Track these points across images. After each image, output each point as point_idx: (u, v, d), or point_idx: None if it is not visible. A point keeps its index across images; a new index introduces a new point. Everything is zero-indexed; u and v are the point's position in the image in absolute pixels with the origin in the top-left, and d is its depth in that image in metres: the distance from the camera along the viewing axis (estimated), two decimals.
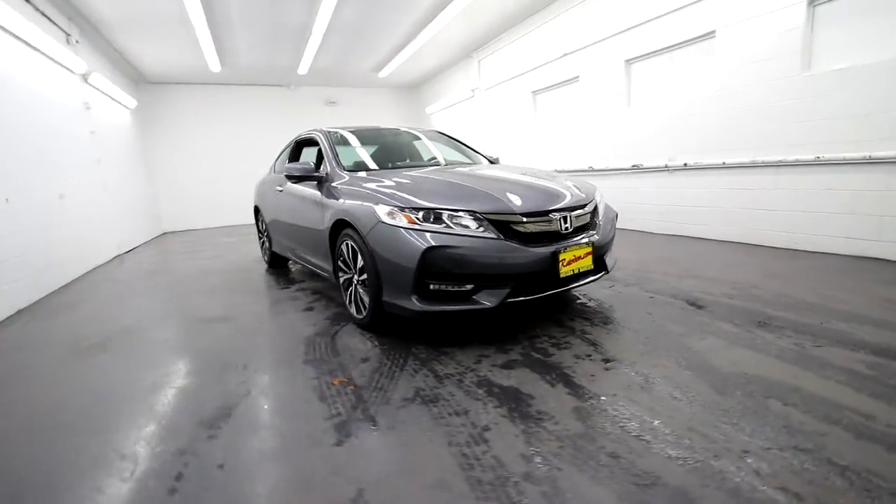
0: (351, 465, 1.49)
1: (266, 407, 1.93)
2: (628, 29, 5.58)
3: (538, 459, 1.47)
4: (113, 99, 7.53)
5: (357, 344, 2.59)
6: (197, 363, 2.47)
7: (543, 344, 2.42)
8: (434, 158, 3.87)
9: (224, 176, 10.80)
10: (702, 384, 1.90)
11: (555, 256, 2.36)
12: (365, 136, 3.94)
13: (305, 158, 4.54)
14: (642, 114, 5.68)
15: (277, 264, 5.06)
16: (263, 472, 1.49)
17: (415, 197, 2.46)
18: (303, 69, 9.40)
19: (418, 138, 4.13)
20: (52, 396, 2.16)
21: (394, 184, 2.74)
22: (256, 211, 5.24)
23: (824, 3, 3.81)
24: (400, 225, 2.36)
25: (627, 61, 5.78)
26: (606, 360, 2.18)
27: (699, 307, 2.84)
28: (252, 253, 6.30)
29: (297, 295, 3.82)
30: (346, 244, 2.78)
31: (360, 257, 2.64)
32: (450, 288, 2.31)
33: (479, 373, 2.13)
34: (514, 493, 1.32)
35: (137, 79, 9.40)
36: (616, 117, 6.04)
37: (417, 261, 2.24)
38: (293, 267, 5.10)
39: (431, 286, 2.31)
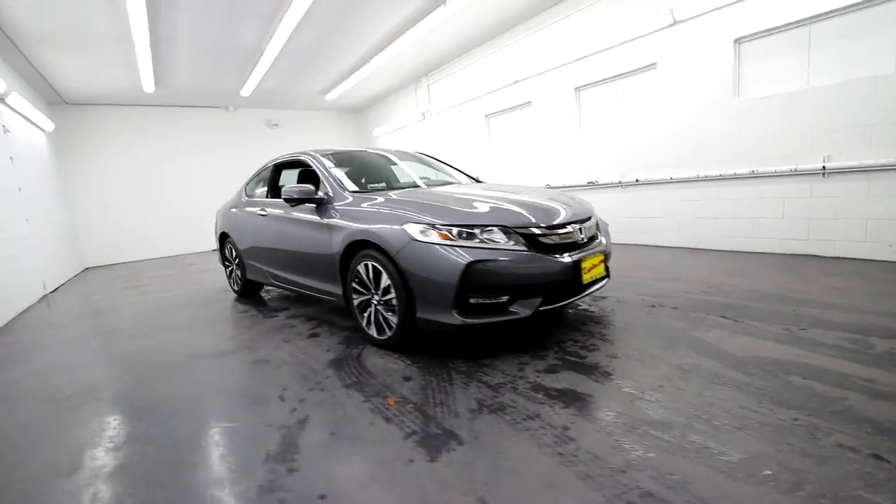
0: (457, 478, 1.51)
1: (333, 433, 1.86)
2: (578, 59, 6.14)
3: (629, 448, 1.59)
4: (30, 121, 6.73)
5: (388, 364, 2.57)
6: (224, 400, 2.30)
7: (572, 348, 2.58)
8: (427, 178, 3.95)
9: (155, 203, 9.99)
10: (727, 369, 2.16)
11: (577, 265, 2.55)
12: (354, 158, 3.95)
13: (284, 182, 4.42)
14: (593, 136, 6.23)
15: (250, 293, 4.79)
16: (373, 495, 1.46)
17: (442, 215, 2.53)
18: (246, 91, 9.07)
19: (405, 159, 4.20)
20: (68, 455, 1.90)
21: (413, 202, 2.79)
22: (223, 238, 4.94)
23: (747, 41, 4.53)
24: (434, 242, 2.42)
25: (577, 88, 6.34)
26: (636, 357, 2.38)
27: (688, 305, 3.18)
28: (209, 283, 5.90)
29: (292, 322, 3.66)
30: (366, 265, 2.76)
31: (383, 277, 2.64)
32: (487, 301, 2.40)
33: (527, 379, 2.22)
34: (627, 481, 1.42)
35: (54, 100, 8.48)
36: (569, 139, 6.56)
37: (459, 276, 2.31)
38: (266, 295, 4.86)
39: (471, 300, 2.38)
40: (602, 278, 2.81)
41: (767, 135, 4.45)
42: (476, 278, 2.33)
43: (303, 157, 3.78)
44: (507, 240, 2.45)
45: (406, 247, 2.48)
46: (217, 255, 5.49)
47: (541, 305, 2.46)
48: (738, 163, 4.71)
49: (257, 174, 4.61)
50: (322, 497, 1.46)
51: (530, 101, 7.10)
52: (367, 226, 2.76)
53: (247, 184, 4.76)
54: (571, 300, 2.62)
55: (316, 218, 3.26)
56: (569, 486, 1.43)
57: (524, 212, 2.61)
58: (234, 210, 4.69)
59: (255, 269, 4.33)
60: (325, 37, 6.84)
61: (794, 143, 4.26)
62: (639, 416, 1.80)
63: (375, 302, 2.78)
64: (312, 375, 2.50)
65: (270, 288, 5.21)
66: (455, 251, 2.36)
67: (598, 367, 2.31)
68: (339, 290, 3.13)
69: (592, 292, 2.80)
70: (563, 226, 2.63)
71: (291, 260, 3.62)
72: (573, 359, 2.43)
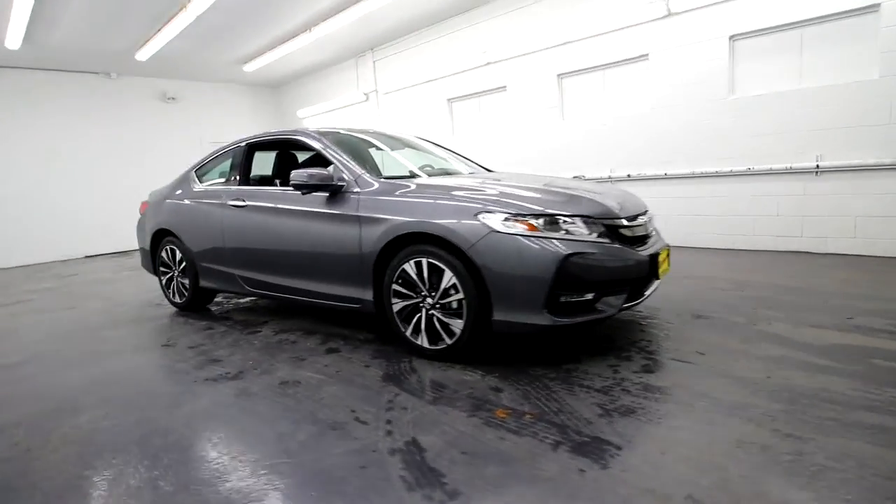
0: (647, 479, 1.60)
1: (464, 452, 1.83)
2: (562, 44, 6.56)
3: (795, 432, 1.80)
4: None
5: (460, 376, 2.56)
6: (294, 428, 2.12)
7: (651, 347, 2.80)
8: (429, 167, 3.94)
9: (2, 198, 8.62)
10: (814, 357, 2.51)
11: (655, 259, 2.77)
12: (358, 140, 3.83)
13: (259, 166, 4.16)
14: (579, 127, 6.68)
15: (198, 305, 4.39)
16: None
17: (522, 203, 2.60)
18: (144, 55, 8.25)
19: (410, 144, 4.16)
20: None
21: (475, 187, 2.82)
22: (158, 238, 4.47)
23: (742, 39, 5.23)
24: (520, 233, 2.47)
25: (560, 75, 6.76)
26: (723, 352, 2.66)
27: (729, 302, 3.59)
28: (120, 297, 5.33)
29: (288, 337, 3.44)
30: (417, 263, 2.72)
31: (445, 276, 2.63)
32: (575, 299, 2.52)
33: (631, 380, 2.37)
34: (820, 459, 1.63)
35: None
36: (550, 129, 6.96)
37: (555, 270, 2.38)
38: (215, 307, 4.50)
39: (562, 298, 2.47)
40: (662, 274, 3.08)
41: (762, 133, 5.17)
42: (570, 273, 2.42)
43: (299, 137, 3.59)
44: (589, 231, 2.59)
45: (484, 239, 2.50)
46: (141, 260, 4.93)
47: (625, 303, 2.64)
48: (733, 160, 5.38)
49: (215, 156, 4.26)
50: None
51: (505, 86, 7.40)
52: (420, 217, 2.71)
53: (197, 168, 4.37)
54: (645, 297, 2.84)
55: (330, 209, 3.12)
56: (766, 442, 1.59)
57: (605, 201, 2.77)
58: (179, 202, 4.27)
59: (217, 275, 3.98)
60: None
61: (788, 142, 5.01)
62: (772, 406, 2.03)
63: (428, 306, 2.75)
64: (375, 395, 2.41)
65: (220, 299, 4.83)
66: (549, 243, 2.43)
67: (693, 362, 2.54)
68: (365, 296, 3.03)
69: (655, 290, 3.05)
70: (635, 217, 2.84)
71: (288, 261, 3.41)
72: (662, 358, 2.64)
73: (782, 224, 5.18)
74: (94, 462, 1.96)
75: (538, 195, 2.74)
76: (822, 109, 4.78)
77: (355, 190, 3.09)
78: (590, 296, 2.54)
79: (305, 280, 3.35)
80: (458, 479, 1.68)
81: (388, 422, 2.12)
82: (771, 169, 5.13)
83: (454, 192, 2.78)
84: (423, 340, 2.81)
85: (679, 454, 1.74)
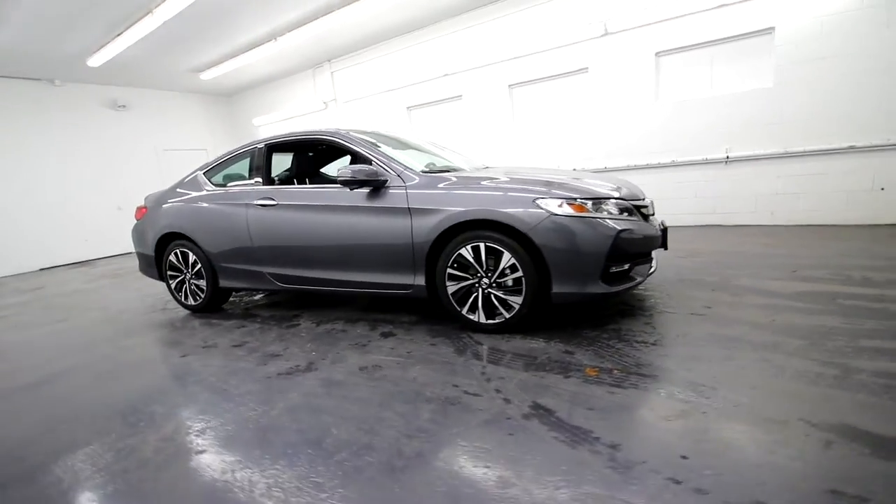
0: (757, 409, 1.65)
1: (589, 409, 1.78)
2: (512, 58, 6.60)
3: (823, 360, 1.97)
4: None
5: (526, 345, 2.49)
6: (407, 408, 1.93)
7: (664, 306, 2.92)
8: (447, 161, 3.79)
9: None
10: (793, 301, 2.75)
11: (665, 233, 2.89)
12: (384, 139, 3.55)
13: (280, 166, 3.76)
14: (527, 130, 6.79)
15: (214, 306, 3.88)
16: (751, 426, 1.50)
17: (571, 189, 2.57)
18: (97, 60, 7.08)
19: (410, 143, 3.95)
20: None
21: (517, 177, 2.76)
22: (165, 242, 3.88)
23: (665, 55, 5.59)
24: (575, 215, 2.45)
25: (511, 85, 6.82)
26: (723, 304, 2.84)
27: (694, 266, 3.85)
28: (107, 304, 4.61)
29: (330, 328, 3.15)
30: (475, 248, 2.61)
31: (504, 257, 2.55)
32: (619, 269, 2.55)
33: (672, 333, 2.46)
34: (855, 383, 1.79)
35: None
36: (502, 133, 7.01)
37: (609, 245, 2.40)
38: (228, 307, 4.02)
39: (611, 269, 2.49)
40: None
41: (683, 132, 5.58)
42: (620, 246, 2.46)
43: (331, 137, 3.26)
44: (619, 211, 2.63)
45: (544, 222, 2.45)
46: (140, 266, 4.25)
47: (648, 271, 2.74)
48: (660, 154, 5.77)
49: (226, 158, 3.76)
50: (676, 482, 1.44)
51: (461, 95, 7.32)
52: (480, 206, 2.59)
53: (206, 171, 3.83)
54: (655, 267, 2.95)
55: (376, 203, 2.89)
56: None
57: (627, 187, 2.84)
58: (192, 204, 3.73)
59: (241, 274, 3.54)
60: (234, 7, 5.87)
61: (704, 138, 5.46)
62: (796, 342, 2.20)
63: (485, 285, 2.65)
64: (463, 369, 2.27)
65: (231, 298, 4.33)
66: (601, 222, 2.44)
67: (707, 315, 2.69)
68: (416, 281, 2.85)
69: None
70: (643, 199, 2.94)
71: (330, 255, 3.11)
72: (680, 313, 2.76)
73: (699, 204, 5.66)
74: (264, 468, 1.65)
75: (576, 183, 2.73)
76: (729, 112, 5.26)
77: (399, 184, 2.88)
78: (626, 266, 2.60)
79: (350, 272, 3.08)
80: (605, 431, 1.63)
81: (498, 391, 2.01)
82: (691, 160, 5.58)
83: (502, 183, 2.70)
84: (479, 317, 2.71)
85: (765, 387, 1.83)
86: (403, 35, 7.60)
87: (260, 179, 3.48)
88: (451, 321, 2.95)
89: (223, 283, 3.68)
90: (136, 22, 5.87)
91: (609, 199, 2.58)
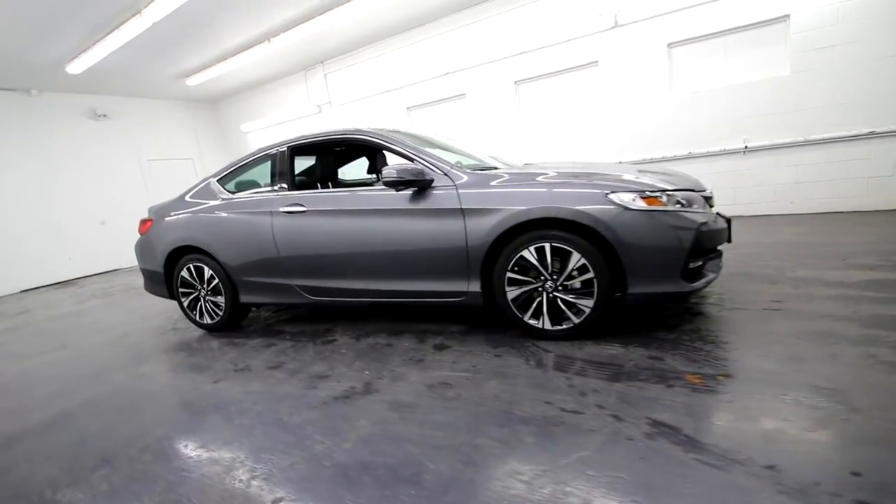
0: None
1: (717, 423, 1.59)
2: (518, 54, 6.44)
3: None
4: None
5: (604, 352, 2.29)
6: (503, 432, 1.70)
7: (730, 302, 2.76)
8: (479, 159, 3.59)
9: None
10: (862, 291, 2.63)
11: (729, 226, 2.73)
12: (417, 137, 3.32)
13: (302, 168, 3.49)
14: (535, 126, 6.64)
15: (233, 324, 3.58)
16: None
17: (641, 182, 2.39)
18: (77, 68, 6.63)
19: (438, 143, 3.73)
20: None
21: (581, 173, 2.57)
22: (175, 256, 3.56)
23: (678, 46, 5.50)
24: (652, 209, 2.27)
25: (517, 82, 6.65)
26: (792, 297, 2.70)
27: (742, 259, 3.73)
28: (108, 328, 4.24)
29: (375, 343, 2.89)
30: (539, 249, 2.40)
31: (573, 258, 2.35)
32: (696, 265, 2.38)
33: (759, 331, 2.30)
34: None
35: None
36: (509, 130, 6.83)
37: (691, 240, 2.23)
38: (246, 324, 3.72)
39: (690, 265, 2.32)
40: None
41: (698, 123, 5.50)
42: (700, 241, 2.29)
43: (365, 136, 3.00)
44: (698, 204, 2.46)
45: (618, 218, 2.26)
46: (146, 284, 3.91)
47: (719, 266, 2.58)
48: (675, 146, 5.68)
49: (242, 164, 3.47)
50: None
51: (464, 94, 7.12)
52: (544, 204, 2.38)
53: (219, 178, 3.53)
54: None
55: (424, 205, 2.66)
56: None
57: (690, 179, 2.67)
58: (208, 214, 3.42)
59: (265, 288, 3.26)
60: (220, 9, 5.57)
61: (721, 129, 5.39)
62: (891, 335, 2.07)
63: (550, 289, 2.44)
64: (546, 382, 2.06)
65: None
66: (683, 216, 2.27)
67: (782, 309, 2.54)
68: (470, 288, 2.62)
69: None
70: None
71: (371, 263, 2.85)
72: (753, 308, 2.60)
73: (718, 195, 5.56)
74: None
75: (641, 177, 2.54)
76: (746, 101, 5.19)
77: (447, 184, 2.65)
78: (700, 262, 2.43)
79: (393, 281, 2.83)
80: (749, 449, 1.43)
81: (600, 406, 1.80)
82: (708, 152, 5.50)
83: (565, 179, 2.50)
84: (543, 323, 2.50)
85: (881, 384, 1.67)
86: (401, 33, 7.37)
87: (285, 185, 3.20)
88: (506, 329, 2.74)
89: (244, 298, 3.39)
90: (122, 24, 5.48)
91: (682, 190, 2.41)
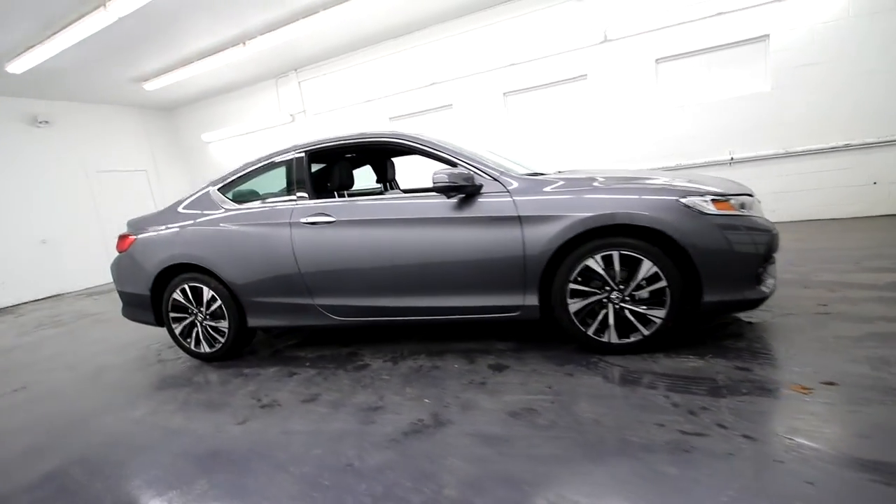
0: None
1: (862, 436, 1.48)
2: (507, 66, 6.44)
3: None
4: None
5: (683, 365, 2.16)
6: (633, 464, 1.50)
7: (778, 308, 2.75)
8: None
9: None
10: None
11: None
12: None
13: (321, 176, 3.17)
14: (524, 137, 6.64)
15: (235, 352, 3.16)
16: None
17: (710, 185, 2.33)
18: (18, 67, 5.87)
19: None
20: None
21: (632, 177, 2.47)
22: (166, 276, 3.11)
23: (665, 62, 5.70)
24: (727, 214, 2.20)
25: (506, 93, 6.64)
26: (834, 300, 2.73)
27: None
28: (73, 363, 3.62)
29: (419, 365, 2.61)
30: (605, 257, 2.26)
31: (643, 266, 2.22)
32: (763, 271, 2.33)
33: (832, 335, 2.27)
34: None
35: None
36: (497, 141, 6.77)
37: (767, 244, 2.19)
38: (248, 353, 3.31)
39: (759, 270, 2.26)
40: None
41: (686, 135, 5.70)
42: (772, 246, 2.25)
43: (399, 139, 2.77)
44: (759, 209, 2.44)
45: (693, 223, 2.16)
46: (125, 310, 3.40)
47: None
48: (664, 158, 5.84)
49: (248, 170, 3.10)
50: None
51: (451, 104, 7.01)
52: (612, 209, 2.24)
53: (221, 186, 3.14)
54: None
55: (475, 213, 2.45)
56: None
57: (733, 182, 2.65)
58: (210, 227, 3.02)
59: (279, 309, 2.90)
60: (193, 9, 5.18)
61: (708, 142, 5.60)
62: None
63: (617, 299, 2.30)
64: (645, 402, 1.88)
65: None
66: (757, 220, 2.23)
67: (830, 313, 2.55)
68: (527, 301, 2.43)
69: None
70: None
71: (411, 279, 2.59)
72: (807, 312, 2.60)
73: None
74: None
75: (702, 182, 2.48)
76: (731, 115, 5.44)
77: (498, 190, 2.47)
78: (764, 267, 2.39)
79: (438, 296, 2.58)
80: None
81: (721, 426, 1.65)
82: (695, 163, 5.69)
83: (625, 184, 2.39)
84: (609, 336, 2.35)
85: None
86: (385, 42, 7.18)
87: (304, 193, 2.88)
88: (560, 344, 2.57)
89: (253, 322, 2.99)
90: (81, 17, 4.90)
91: (743, 195, 2.37)
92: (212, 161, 9.72)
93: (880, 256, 3.51)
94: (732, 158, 5.51)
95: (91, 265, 7.99)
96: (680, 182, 2.36)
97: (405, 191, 3.85)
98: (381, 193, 3.83)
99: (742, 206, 2.29)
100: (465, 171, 2.44)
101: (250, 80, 8.46)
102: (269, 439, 2.02)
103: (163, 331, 3.60)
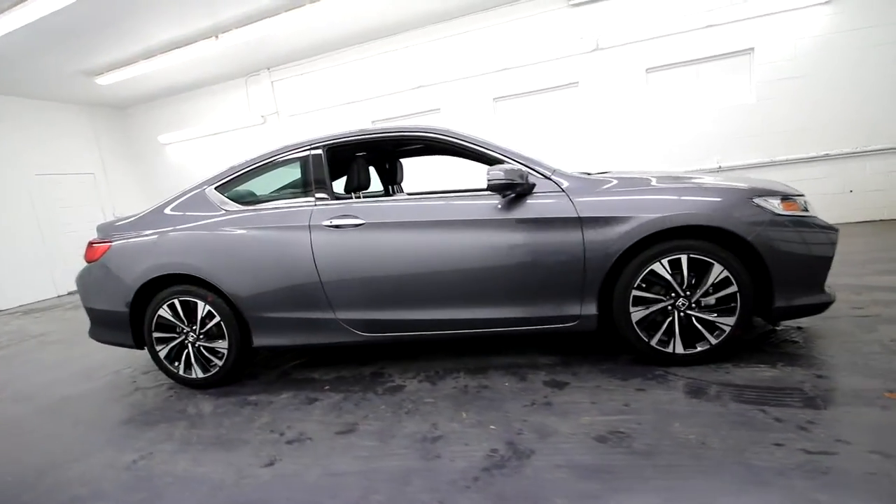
0: None
1: None
2: (498, 71, 6.33)
3: None
4: None
5: (758, 375, 2.04)
6: (771, 495, 1.31)
7: None
8: None
9: None
10: None
11: None
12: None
13: (342, 174, 2.85)
14: (512, 143, 6.51)
15: (234, 377, 2.74)
16: None
17: (771, 186, 2.24)
18: None
19: None
20: None
21: (689, 177, 2.35)
22: (150, 289, 2.65)
23: (655, 71, 5.79)
24: (797, 215, 2.11)
25: (496, 99, 6.52)
26: (866, 303, 2.73)
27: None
28: (33, 392, 3.03)
29: (464, 385, 2.33)
30: (673, 261, 2.11)
31: (713, 271, 2.09)
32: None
33: (884, 336, 2.23)
34: None
35: None
36: None
37: (834, 248, 2.11)
38: (247, 377, 2.90)
39: (827, 272, 2.19)
40: None
41: (676, 143, 5.79)
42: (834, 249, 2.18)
43: (435, 134, 2.53)
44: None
45: (766, 225, 2.06)
46: (92, 330, 2.90)
47: None
48: (654, 165, 5.91)
49: (256, 167, 2.71)
50: None
51: (439, 108, 6.81)
52: (684, 210, 2.09)
53: (218, 185, 2.73)
54: None
55: (522, 214, 2.24)
56: None
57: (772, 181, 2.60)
58: (205, 231, 2.60)
59: (292, 325, 2.53)
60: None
61: (696, 150, 5.72)
62: None
63: (682, 306, 2.16)
64: (742, 419, 1.72)
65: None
66: (823, 222, 2.15)
67: (869, 315, 2.54)
68: (585, 311, 2.23)
69: None
70: None
71: (456, 287, 2.31)
72: (847, 316, 2.57)
73: None
74: None
75: (756, 183, 2.40)
76: (718, 125, 5.59)
77: (552, 189, 2.28)
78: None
79: (484, 307, 2.32)
80: None
81: (843, 441, 1.51)
82: (685, 171, 5.79)
83: (687, 184, 2.25)
84: (674, 347, 2.19)
85: None
86: (368, 42, 6.88)
87: (324, 194, 2.54)
88: (614, 355, 2.39)
89: (260, 340, 2.59)
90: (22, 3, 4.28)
91: (800, 195, 2.30)
92: (170, 164, 8.95)
93: (884, 260, 3.63)
94: (720, 167, 5.65)
95: (27, 279, 7.04)
96: (741, 183, 2.27)
97: (413, 194, 3.58)
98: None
99: (805, 206, 2.22)
100: (522, 170, 2.22)
101: (217, 78, 7.87)
102: (311, 484, 1.68)
103: (135, 353, 3.15)
